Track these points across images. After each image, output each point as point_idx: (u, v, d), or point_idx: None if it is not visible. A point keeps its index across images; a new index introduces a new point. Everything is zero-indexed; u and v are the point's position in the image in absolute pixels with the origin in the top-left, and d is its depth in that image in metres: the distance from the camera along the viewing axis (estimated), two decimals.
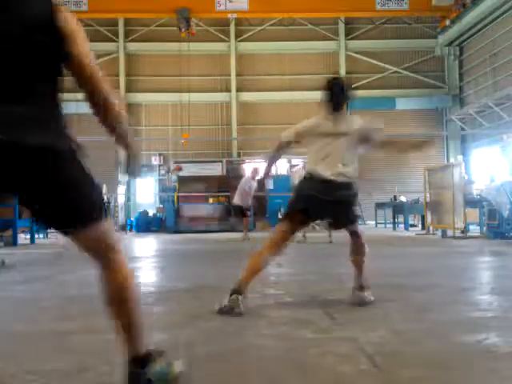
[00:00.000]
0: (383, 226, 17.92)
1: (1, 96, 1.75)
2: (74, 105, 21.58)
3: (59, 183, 1.84)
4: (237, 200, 12.42)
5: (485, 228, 11.68)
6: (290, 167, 20.83)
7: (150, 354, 2.00)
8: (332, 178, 3.70)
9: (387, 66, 22.60)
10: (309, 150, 3.95)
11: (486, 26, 19.70)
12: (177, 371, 2.03)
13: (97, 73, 2.02)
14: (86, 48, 1.95)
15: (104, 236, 1.95)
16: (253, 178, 12.69)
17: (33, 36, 1.79)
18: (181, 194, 16.56)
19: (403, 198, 16.85)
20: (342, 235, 4.16)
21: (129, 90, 22.44)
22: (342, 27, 22.65)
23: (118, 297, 1.98)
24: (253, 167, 13.41)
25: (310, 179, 3.82)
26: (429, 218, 13.57)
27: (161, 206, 19.07)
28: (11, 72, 1.77)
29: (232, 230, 15.58)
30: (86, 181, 1.93)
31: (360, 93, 22.61)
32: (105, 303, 1.99)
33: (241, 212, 12.56)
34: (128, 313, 1.99)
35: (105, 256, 1.96)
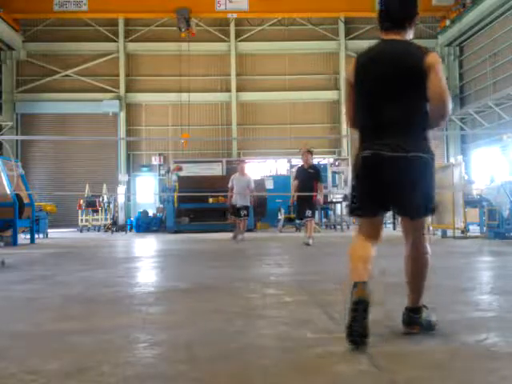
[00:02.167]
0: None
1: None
2: (75, 105, 21.65)
3: (412, 184, 2.88)
4: (241, 201, 12.16)
5: (485, 228, 11.68)
6: (290, 167, 20.83)
7: (422, 306, 2.99)
8: None
9: None
10: None
11: (485, 25, 19.71)
12: (434, 319, 3.02)
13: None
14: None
15: (420, 226, 2.98)
16: (242, 173, 12.38)
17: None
18: (181, 194, 16.55)
19: None
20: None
21: (129, 90, 22.44)
22: (341, 27, 22.66)
23: (414, 266, 2.95)
24: (242, 162, 12.95)
25: None
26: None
27: (161, 206, 19.06)
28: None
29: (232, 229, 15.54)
30: (429, 184, 3.00)
31: None
32: (405, 269, 2.98)
33: (238, 212, 12.11)
34: (417, 278, 2.95)
35: (414, 238, 2.95)
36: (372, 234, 2.95)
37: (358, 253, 2.93)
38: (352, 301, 2.64)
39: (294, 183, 10.78)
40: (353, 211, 3.01)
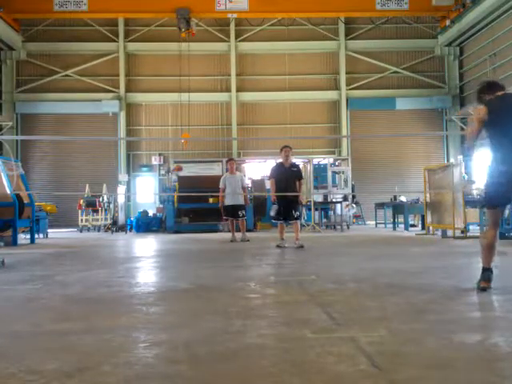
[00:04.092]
0: (383, 226, 17.92)
1: None
2: (75, 105, 21.68)
3: None
4: (235, 200, 11.82)
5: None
6: None
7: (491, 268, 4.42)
8: None
9: (387, 65, 22.61)
10: None
11: (486, 25, 19.70)
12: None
13: None
14: None
15: None
16: (232, 172, 11.83)
17: None
18: (180, 194, 16.56)
19: (403, 198, 16.85)
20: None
21: (129, 89, 22.43)
22: (342, 27, 22.65)
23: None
24: (230, 161, 12.24)
25: None
26: (429, 218, 13.57)
27: (161, 205, 19.06)
28: None
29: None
30: None
31: (360, 93, 22.69)
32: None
33: (234, 213, 11.62)
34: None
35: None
36: (496, 220, 4.52)
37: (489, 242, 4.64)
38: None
39: (272, 181, 9.90)
40: (486, 204, 4.58)
